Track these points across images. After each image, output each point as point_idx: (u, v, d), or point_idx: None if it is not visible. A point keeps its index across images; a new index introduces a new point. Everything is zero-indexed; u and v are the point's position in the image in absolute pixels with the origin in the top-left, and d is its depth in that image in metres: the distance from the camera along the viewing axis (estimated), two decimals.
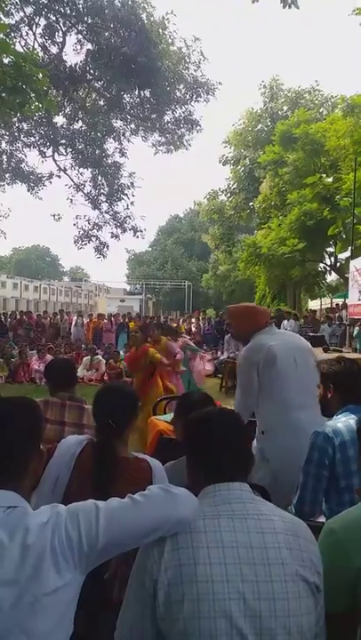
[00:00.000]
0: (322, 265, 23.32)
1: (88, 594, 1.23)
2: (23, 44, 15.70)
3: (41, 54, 15.46)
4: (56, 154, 19.01)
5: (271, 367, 2.74)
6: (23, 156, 18.89)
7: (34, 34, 16.07)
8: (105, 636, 1.38)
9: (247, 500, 1.29)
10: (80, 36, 16.92)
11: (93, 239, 19.67)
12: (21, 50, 13.46)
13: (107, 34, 16.17)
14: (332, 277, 26.21)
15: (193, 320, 18.51)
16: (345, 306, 14.80)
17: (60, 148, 18.97)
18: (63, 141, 18.83)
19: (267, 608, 1.13)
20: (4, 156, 18.42)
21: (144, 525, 1.21)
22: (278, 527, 1.25)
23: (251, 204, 26.49)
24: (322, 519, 2.20)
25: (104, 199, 19.63)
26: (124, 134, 20.07)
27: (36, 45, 15.99)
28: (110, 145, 19.84)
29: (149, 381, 5.88)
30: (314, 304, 28.15)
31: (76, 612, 1.15)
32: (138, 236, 19.98)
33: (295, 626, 1.14)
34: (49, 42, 16.56)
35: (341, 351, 6.42)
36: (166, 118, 19.31)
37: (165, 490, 1.30)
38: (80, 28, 16.49)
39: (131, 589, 1.25)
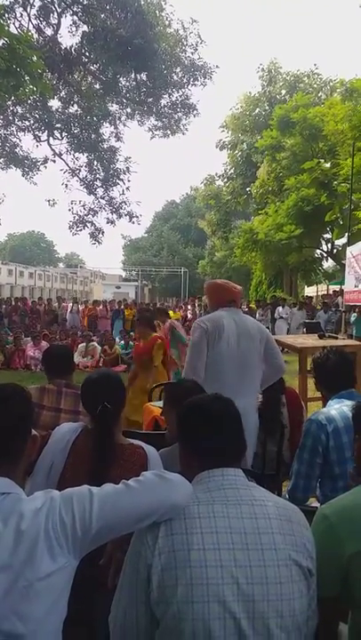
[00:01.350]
0: (318, 251, 23.28)
1: (83, 579, 1.24)
2: (17, 26, 15.42)
3: (35, 36, 15.20)
4: (51, 138, 18.83)
5: (215, 343, 2.88)
6: (18, 141, 18.72)
7: (28, 15, 15.82)
8: (100, 621, 1.40)
9: (241, 486, 1.30)
10: (75, 18, 16.67)
11: (89, 225, 19.60)
12: (15, 32, 13.22)
13: (102, 15, 15.91)
14: (328, 264, 26.20)
15: (189, 307, 18.50)
16: (341, 292, 14.82)
17: (56, 132, 18.77)
18: (58, 125, 18.64)
19: (260, 592, 1.15)
20: None
21: (138, 510, 1.21)
22: (272, 513, 1.26)
23: (248, 189, 26.32)
24: (316, 504, 2.22)
25: (100, 184, 19.50)
26: (119, 118, 19.91)
27: (31, 27, 15.72)
28: (106, 129, 19.71)
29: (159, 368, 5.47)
30: (310, 290, 28.18)
31: (71, 597, 1.16)
32: (134, 222, 19.93)
33: (288, 609, 1.16)
34: (44, 23, 16.33)
35: (337, 338, 6.43)
36: (163, 102, 19.13)
37: (159, 475, 1.30)
38: (75, 9, 16.21)
39: (125, 574, 1.26)
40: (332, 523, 1.41)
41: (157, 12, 16.86)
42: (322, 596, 1.32)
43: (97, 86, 18.77)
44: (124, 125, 20.11)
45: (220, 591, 1.13)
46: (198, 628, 1.11)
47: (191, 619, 1.12)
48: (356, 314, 12.57)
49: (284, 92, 27.00)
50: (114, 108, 19.70)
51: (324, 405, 2.44)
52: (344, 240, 17.20)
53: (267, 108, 26.45)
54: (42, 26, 16.31)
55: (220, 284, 3.25)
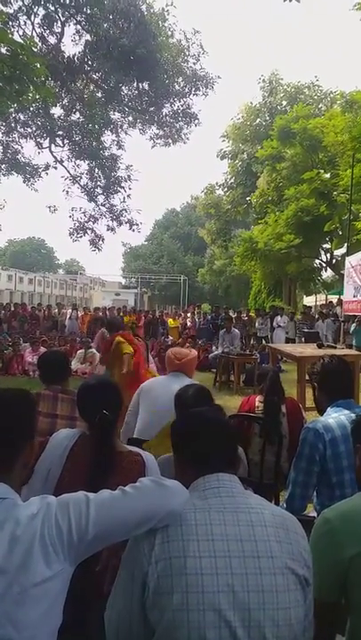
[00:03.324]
0: (318, 261, 23.35)
1: (78, 586, 1.23)
2: (21, 34, 15.54)
3: (39, 44, 15.32)
4: (53, 145, 18.91)
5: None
6: (19, 147, 18.78)
7: (32, 23, 15.94)
8: (95, 628, 1.38)
9: (237, 493, 1.30)
10: (79, 27, 16.80)
11: (89, 232, 19.63)
12: (19, 40, 13.33)
13: (106, 25, 16.06)
14: (327, 274, 26.30)
15: (188, 315, 18.51)
16: (340, 302, 14.84)
17: (57, 139, 18.86)
18: (60, 133, 18.71)
19: (255, 601, 1.14)
20: (0, 147, 18.28)
21: (135, 516, 1.21)
22: (268, 521, 1.25)
23: (248, 198, 26.45)
24: (313, 514, 2.20)
25: (100, 191, 19.56)
26: (121, 127, 20.01)
27: (34, 35, 15.83)
28: (107, 137, 19.76)
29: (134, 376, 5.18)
30: (309, 300, 28.22)
31: (67, 604, 1.15)
32: (134, 230, 19.98)
33: (284, 618, 1.15)
34: (47, 32, 16.44)
35: (335, 347, 6.43)
36: (165, 111, 19.26)
37: (156, 482, 1.30)
38: (79, 18, 16.34)
39: (120, 579, 1.25)
40: (334, 526, 1.42)
41: (160, 22, 17.02)
42: (321, 601, 1.32)
43: (99, 94, 18.89)
44: (126, 134, 20.23)
45: (216, 599, 1.13)
46: (193, 636, 1.10)
47: (186, 627, 1.11)
48: (355, 324, 12.59)
49: (284, 102, 27.20)
50: (116, 116, 19.82)
51: (321, 413, 2.44)
52: (343, 250, 17.28)
53: (267, 118, 26.65)
54: (45, 34, 16.45)
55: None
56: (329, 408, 2.35)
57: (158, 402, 2.99)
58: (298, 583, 1.20)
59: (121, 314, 16.87)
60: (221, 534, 1.20)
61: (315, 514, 2.16)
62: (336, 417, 2.25)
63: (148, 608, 1.16)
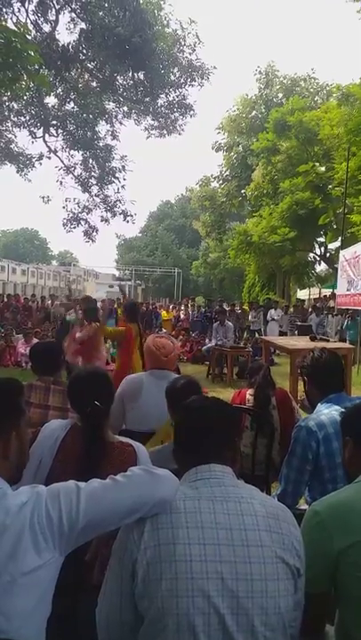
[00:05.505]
0: (312, 255, 23.39)
1: (68, 576, 1.23)
2: (15, 21, 15.33)
3: (33, 32, 15.12)
4: (46, 135, 18.74)
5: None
6: (13, 137, 18.61)
7: (26, 10, 15.72)
8: (84, 618, 1.38)
9: (228, 483, 1.31)
10: (73, 15, 16.61)
11: (83, 222, 19.53)
12: (13, 27, 13.14)
13: (101, 13, 15.85)
14: (321, 267, 26.34)
15: (182, 307, 18.50)
16: (333, 296, 14.88)
17: (51, 128, 18.69)
18: (54, 122, 18.55)
19: (244, 588, 1.15)
20: None
21: (125, 505, 1.21)
22: (258, 510, 1.26)
23: (243, 191, 26.36)
24: (304, 507, 2.21)
25: (94, 182, 19.45)
26: (116, 117, 19.87)
27: (28, 23, 15.62)
28: (102, 127, 19.62)
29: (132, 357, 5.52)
30: (303, 294, 28.27)
31: (56, 594, 1.15)
32: (128, 221, 19.89)
33: (272, 607, 1.16)
34: (41, 19, 16.22)
35: (328, 341, 6.45)
36: (160, 102, 19.09)
37: (147, 471, 1.30)
38: (74, 6, 16.15)
39: (110, 568, 1.26)
40: (323, 519, 1.42)
41: (156, 11, 16.84)
42: (311, 592, 1.33)
43: (94, 84, 18.72)
44: (121, 124, 20.10)
45: (205, 586, 1.13)
46: (182, 622, 1.11)
47: (175, 613, 1.11)
48: (348, 319, 12.64)
49: (280, 95, 27.07)
50: (110, 106, 19.67)
51: (313, 407, 2.43)
52: (337, 244, 17.30)
53: (263, 110, 26.50)
54: (39, 22, 16.23)
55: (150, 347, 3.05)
56: (320, 404, 2.35)
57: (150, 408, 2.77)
58: (289, 572, 1.21)
59: (115, 305, 16.80)
60: (211, 522, 1.21)
61: (306, 507, 2.16)
62: (328, 413, 2.24)
63: (138, 595, 1.17)
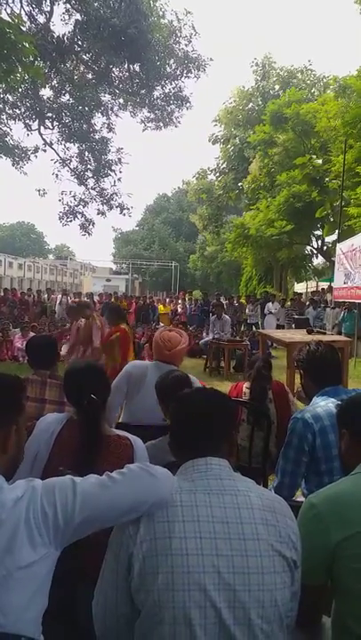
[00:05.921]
0: (309, 248, 23.37)
1: (65, 570, 1.23)
2: (9, 12, 15.16)
3: (27, 23, 14.98)
4: (42, 127, 18.62)
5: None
6: (8, 129, 18.47)
7: (20, 1, 15.56)
8: (82, 612, 1.38)
9: (225, 476, 1.30)
10: (68, 6, 16.44)
11: (79, 216, 19.46)
12: (7, 18, 13.00)
13: (96, 4, 15.72)
14: (318, 261, 26.32)
15: (179, 301, 18.49)
16: (330, 289, 14.89)
17: (47, 121, 18.56)
18: (49, 114, 18.42)
19: (241, 582, 1.15)
20: None
21: (121, 504, 1.20)
22: (255, 503, 1.25)
23: (240, 184, 26.30)
24: (301, 499, 2.21)
25: (90, 175, 19.36)
26: (112, 109, 19.75)
27: (23, 14, 15.46)
28: (98, 120, 19.52)
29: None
30: (300, 287, 28.29)
31: (53, 588, 1.15)
32: (125, 214, 19.85)
33: (269, 600, 1.16)
34: (36, 10, 16.06)
35: (325, 333, 6.46)
36: (156, 94, 18.99)
37: (145, 470, 1.29)
38: None
39: (106, 562, 1.26)
40: (320, 511, 1.42)
41: (151, 2, 16.70)
42: (308, 584, 1.33)
43: (89, 76, 18.58)
44: (117, 116, 19.97)
45: (201, 579, 1.13)
46: (178, 615, 1.11)
47: (172, 607, 1.11)
48: (344, 311, 12.66)
49: (277, 87, 26.93)
50: (106, 98, 19.54)
51: (309, 399, 2.43)
52: (334, 237, 17.30)
53: (260, 102, 26.38)
54: (34, 13, 16.08)
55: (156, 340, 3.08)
56: (316, 397, 2.35)
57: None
58: (285, 565, 1.21)
59: (112, 299, 16.79)
60: (207, 516, 1.20)
61: (303, 499, 2.17)
62: (324, 405, 2.24)
63: (134, 589, 1.17)
